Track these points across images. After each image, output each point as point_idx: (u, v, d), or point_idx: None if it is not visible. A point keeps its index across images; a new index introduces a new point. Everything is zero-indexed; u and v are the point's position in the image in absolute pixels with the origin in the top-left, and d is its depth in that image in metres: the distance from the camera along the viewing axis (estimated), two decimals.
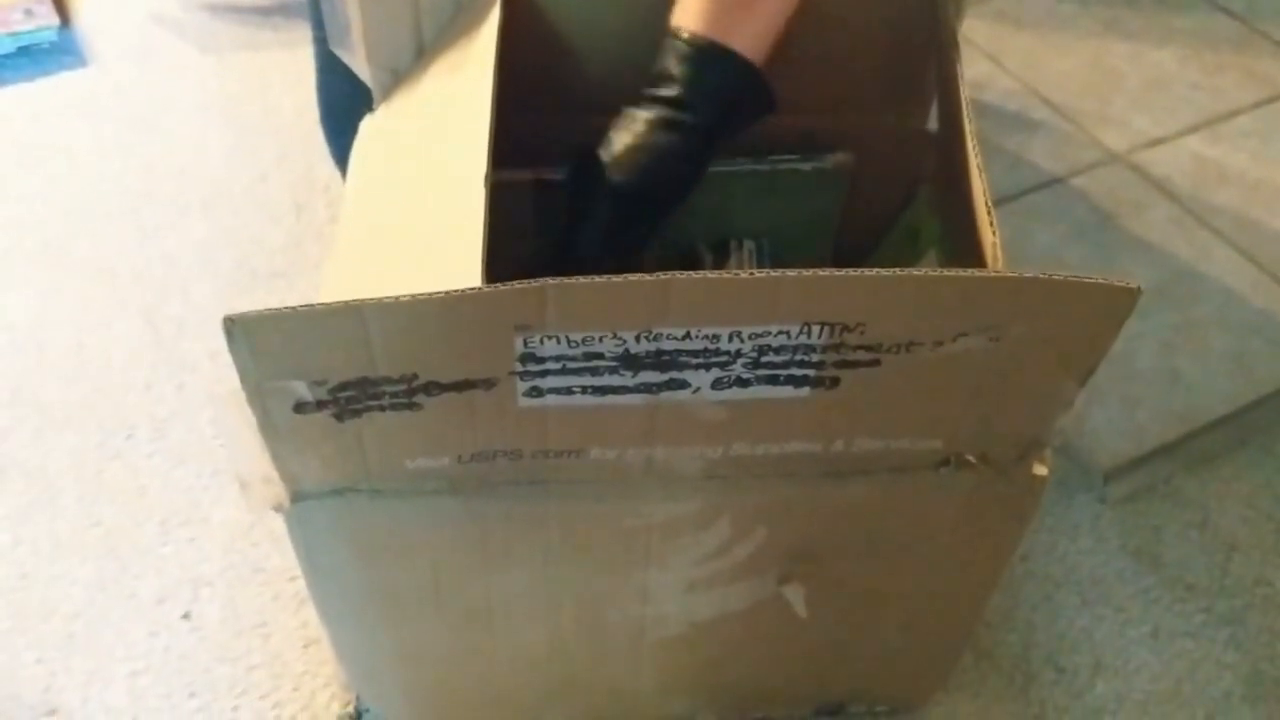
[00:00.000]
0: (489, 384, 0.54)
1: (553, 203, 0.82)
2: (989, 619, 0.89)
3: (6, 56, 1.36)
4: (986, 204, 0.58)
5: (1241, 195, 1.22)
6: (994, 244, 0.57)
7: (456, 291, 0.50)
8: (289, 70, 1.36)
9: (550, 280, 0.50)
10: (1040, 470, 0.63)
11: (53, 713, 0.84)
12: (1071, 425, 0.59)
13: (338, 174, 1.01)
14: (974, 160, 0.60)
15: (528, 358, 0.53)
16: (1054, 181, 1.24)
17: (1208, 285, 1.13)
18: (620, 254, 0.69)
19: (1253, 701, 0.85)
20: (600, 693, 0.80)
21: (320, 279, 1.12)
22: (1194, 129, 1.31)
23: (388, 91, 0.73)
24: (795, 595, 0.68)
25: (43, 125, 1.31)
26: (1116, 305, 0.54)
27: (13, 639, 0.88)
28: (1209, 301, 1.11)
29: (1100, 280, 0.52)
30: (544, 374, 0.54)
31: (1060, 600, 0.91)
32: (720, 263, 0.86)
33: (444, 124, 0.68)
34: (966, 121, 0.63)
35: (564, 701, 0.81)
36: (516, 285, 0.50)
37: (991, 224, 0.57)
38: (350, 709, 0.83)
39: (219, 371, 1.04)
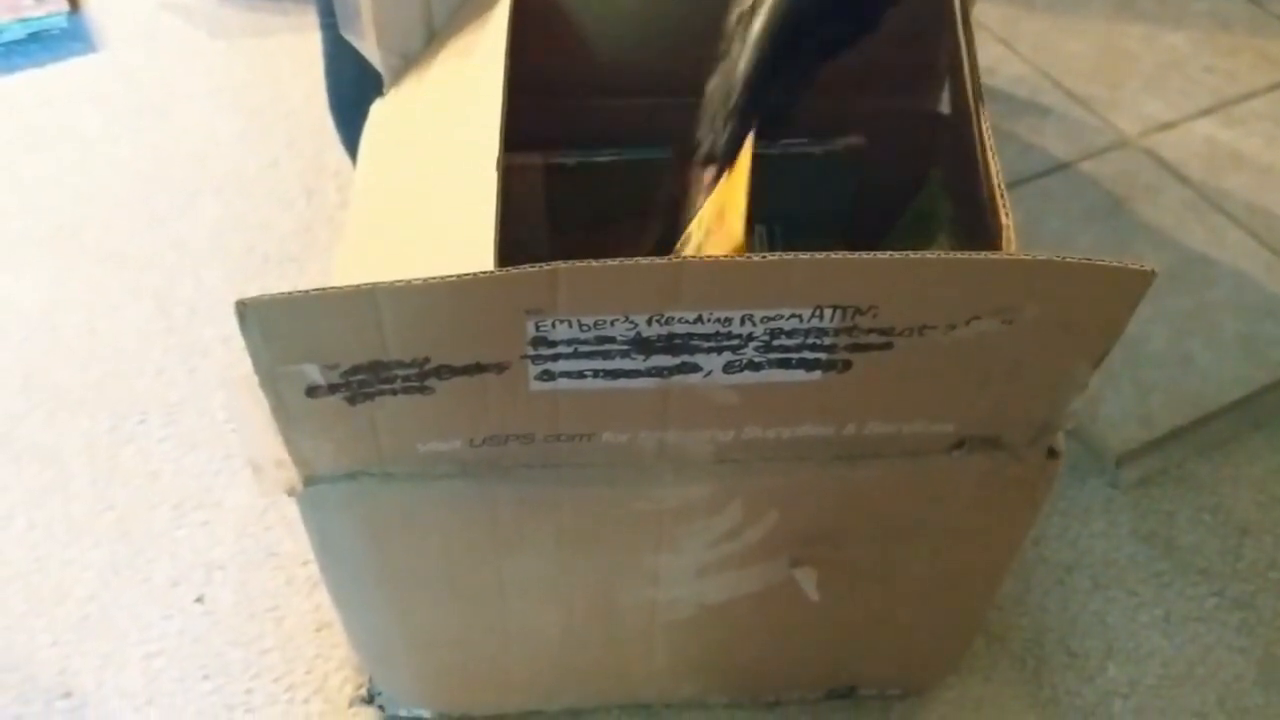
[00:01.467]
0: (501, 368, 0.54)
1: (563, 187, 0.82)
2: (1000, 603, 0.89)
3: (17, 42, 1.37)
4: (999, 187, 0.58)
5: (1255, 179, 1.22)
6: (1007, 226, 0.57)
7: (468, 275, 0.50)
8: (298, 56, 1.36)
9: (561, 264, 0.50)
10: (1054, 454, 0.63)
11: (68, 695, 0.84)
12: (1085, 409, 0.59)
13: (347, 159, 1.01)
14: (987, 143, 0.60)
15: (539, 341, 0.53)
16: (1066, 165, 1.23)
17: (1220, 269, 1.12)
18: (776, 99, 0.62)
19: (1264, 685, 0.85)
20: (611, 675, 0.80)
21: (331, 263, 1.12)
22: (1207, 112, 1.30)
23: (398, 76, 0.73)
24: (807, 579, 0.68)
25: (53, 111, 1.31)
26: (1131, 287, 0.53)
27: (28, 621, 0.88)
28: (1222, 285, 1.11)
29: (1114, 262, 0.52)
30: (555, 357, 0.54)
31: (1072, 584, 0.91)
32: None
33: (455, 108, 0.68)
34: (978, 104, 0.63)
35: (575, 683, 0.81)
36: (528, 269, 0.50)
37: (1004, 207, 0.57)
38: (363, 691, 0.84)
39: (231, 356, 1.04)
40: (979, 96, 0.63)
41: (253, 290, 0.51)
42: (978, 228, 0.63)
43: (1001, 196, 0.58)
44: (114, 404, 1.02)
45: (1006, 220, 0.56)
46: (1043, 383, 0.58)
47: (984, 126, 0.61)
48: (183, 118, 1.30)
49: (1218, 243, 1.15)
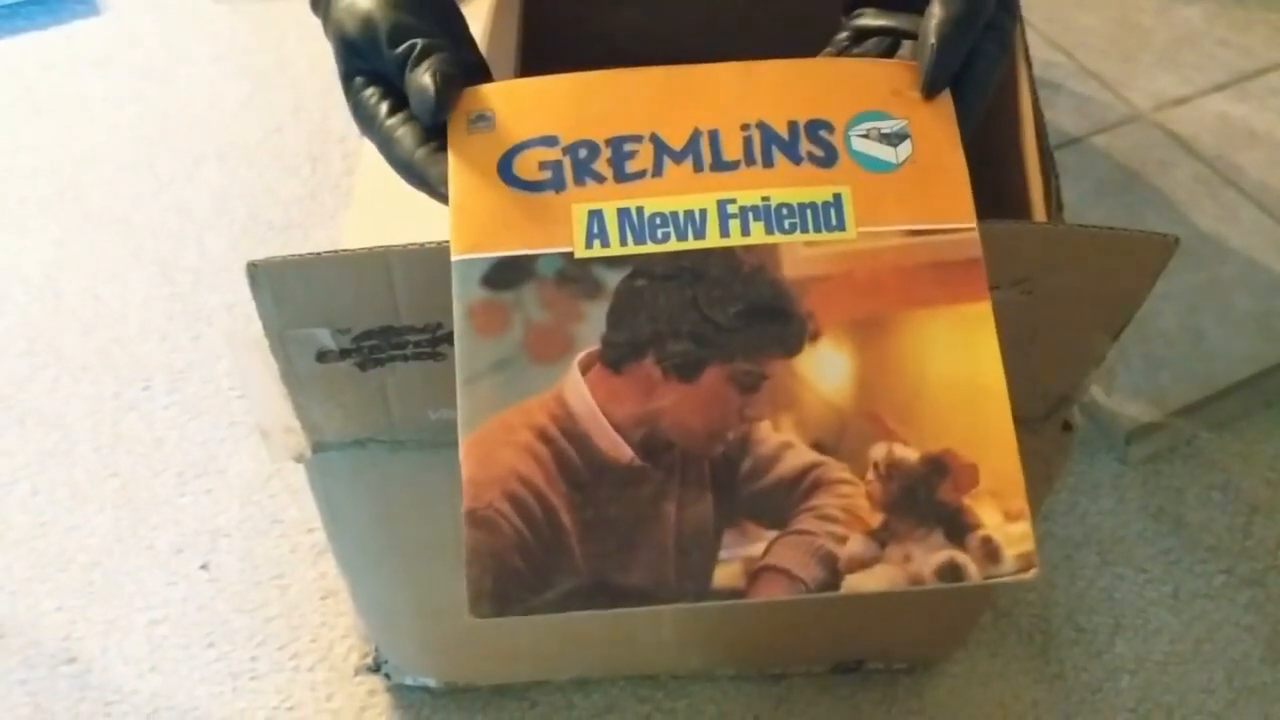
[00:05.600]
0: None
1: None
2: None
3: (19, 5, 1.35)
4: (1042, 150, 0.57)
5: (1269, 154, 1.21)
6: (1053, 188, 0.56)
7: None
8: (303, 20, 1.34)
9: None
10: (1068, 427, 0.62)
11: (72, 660, 0.84)
12: (1104, 382, 0.59)
13: (353, 126, 1.00)
14: (1028, 103, 0.58)
15: None
16: (1077, 140, 1.22)
17: (1233, 245, 1.11)
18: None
19: (1272, 663, 0.85)
20: (618, 646, 0.80)
21: (337, 231, 1.11)
22: (1221, 87, 1.29)
23: None
24: None
25: (55, 74, 1.30)
26: (1152, 257, 0.53)
27: (32, 586, 0.88)
28: (1234, 262, 1.10)
29: (1137, 231, 0.52)
30: None
31: (1080, 560, 0.90)
32: None
33: None
34: (1028, 66, 0.62)
35: (581, 654, 0.81)
36: None
37: (1047, 169, 0.56)
38: (369, 660, 0.84)
39: (235, 323, 1.03)
40: (1028, 60, 0.62)
41: (257, 257, 0.50)
42: (989, 197, 0.62)
43: (1049, 157, 0.57)
44: (118, 370, 1.02)
45: (1053, 181, 0.55)
46: (1060, 354, 0.58)
47: (1032, 86, 0.60)
48: (186, 82, 1.29)
49: (1230, 219, 1.14)
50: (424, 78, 0.49)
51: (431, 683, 0.82)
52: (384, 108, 0.51)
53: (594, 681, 0.83)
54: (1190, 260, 1.09)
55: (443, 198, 0.49)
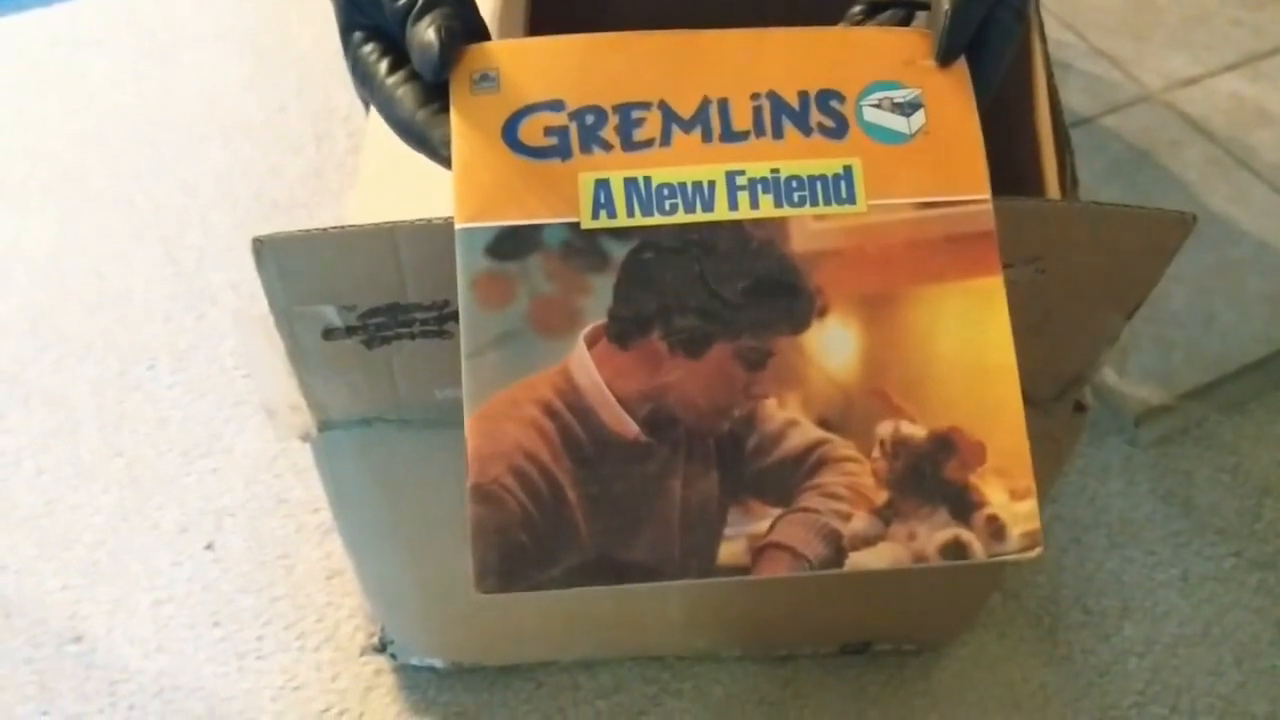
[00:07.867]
0: None
1: None
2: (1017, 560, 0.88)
3: None
4: (1057, 127, 0.56)
5: None
6: (1068, 166, 0.55)
7: None
8: None
9: None
10: (1080, 408, 0.62)
11: (78, 639, 0.84)
12: (1116, 363, 0.58)
13: (358, 104, 0.99)
14: (1042, 78, 0.58)
15: None
16: (1088, 120, 1.21)
17: (1244, 226, 1.10)
18: None
19: None
20: (624, 627, 0.79)
21: (342, 209, 1.11)
22: (1233, 67, 1.28)
23: None
24: None
25: (59, 53, 1.29)
26: (1169, 235, 0.52)
27: (38, 565, 0.88)
28: (1246, 243, 1.09)
29: (1153, 209, 0.51)
30: None
31: (1089, 543, 0.90)
32: None
33: None
34: (1041, 39, 0.61)
35: (587, 634, 0.81)
36: None
37: (1062, 147, 0.55)
38: (375, 640, 0.83)
39: (240, 303, 1.03)
40: (1042, 36, 0.61)
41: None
42: (1003, 174, 0.61)
43: (1063, 134, 0.56)
44: (122, 350, 1.01)
45: (1067, 158, 0.55)
46: (1074, 334, 0.57)
47: (1047, 63, 0.59)
48: (190, 61, 1.28)
49: (1242, 200, 1.13)
50: (427, 32, 0.47)
51: (437, 663, 0.82)
52: (384, 65, 0.49)
53: (600, 662, 0.83)
54: (1201, 241, 1.08)
55: (445, 160, 0.48)
